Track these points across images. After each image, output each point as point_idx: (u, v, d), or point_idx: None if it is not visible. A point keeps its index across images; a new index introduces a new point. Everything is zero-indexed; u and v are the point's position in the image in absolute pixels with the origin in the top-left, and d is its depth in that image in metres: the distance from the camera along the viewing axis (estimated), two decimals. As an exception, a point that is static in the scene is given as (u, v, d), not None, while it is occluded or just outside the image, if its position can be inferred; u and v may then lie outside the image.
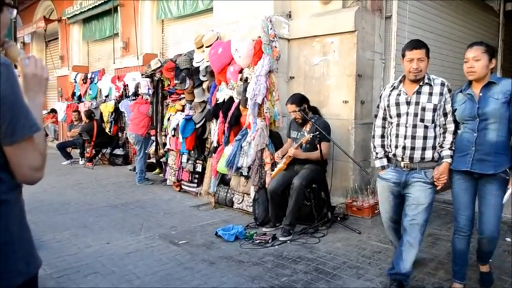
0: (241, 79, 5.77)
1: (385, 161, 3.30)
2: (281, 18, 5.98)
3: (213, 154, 6.16)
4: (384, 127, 3.35)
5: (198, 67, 6.66)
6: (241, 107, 5.73)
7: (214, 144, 6.23)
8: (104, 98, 10.86)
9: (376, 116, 3.42)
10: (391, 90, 3.26)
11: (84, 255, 4.21)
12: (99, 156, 10.29)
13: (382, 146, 3.33)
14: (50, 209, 5.98)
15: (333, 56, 5.75)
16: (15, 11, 1.47)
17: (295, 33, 6.07)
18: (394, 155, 3.21)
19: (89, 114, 10.27)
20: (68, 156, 10.45)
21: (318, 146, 4.75)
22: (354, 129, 5.63)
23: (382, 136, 3.34)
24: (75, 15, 12.63)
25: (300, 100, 5.00)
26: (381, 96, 3.38)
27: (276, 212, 4.98)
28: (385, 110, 3.30)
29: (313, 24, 5.89)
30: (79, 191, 7.33)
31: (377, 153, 3.34)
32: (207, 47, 6.42)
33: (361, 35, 5.63)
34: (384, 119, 3.35)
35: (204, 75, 6.62)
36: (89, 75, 11.81)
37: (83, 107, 11.38)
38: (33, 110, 1.38)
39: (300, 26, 6.04)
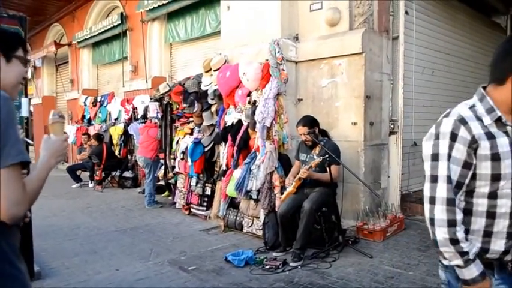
0: (249, 102, 5.78)
1: (481, 265, 1.59)
2: (288, 41, 6.01)
3: (222, 177, 6.14)
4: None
5: (207, 90, 6.70)
6: (249, 130, 5.73)
7: (223, 167, 6.21)
8: (113, 121, 10.95)
9: (438, 179, 1.60)
10: (489, 125, 1.59)
11: (94, 283, 4.18)
12: (109, 179, 10.31)
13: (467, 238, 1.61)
14: (60, 234, 5.97)
15: (341, 78, 5.75)
16: (30, 70, 1.57)
17: (303, 55, 6.10)
18: (506, 252, 1.61)
19: (98, 137, 10.33)
20: (77, 179, 10.49)
21: (328, 169, 4.71)
22: (363, 150, 5.59)
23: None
24: (85, 39, 12.84)
25: (311, 122, 4.98)
26: (455, 137, 1.57)
27: (286, 236, 4.92)
28: (469, 165, 1.57)
29: (321, 47, 5.91)
30: (88, 214, 7.32)
31: (465, 253, 1.58)
32: (215, 70, 6.46)
33: (369, 56, 5.64)
34: (461, 185, 1.60)
35: (212, 99, 6.65)
36: (99, 99, 11.93)
37: (92, 130, 11.45)
38: (42, 167, 1.51)
39: (307, 48, 6.06)
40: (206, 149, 6.72)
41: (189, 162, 6.80)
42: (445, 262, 1.64)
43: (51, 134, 1.69)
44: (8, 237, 1.41)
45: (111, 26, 11.44)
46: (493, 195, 1.58)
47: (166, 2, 9.21)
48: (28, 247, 4.10)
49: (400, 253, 4.79)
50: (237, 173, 5.73)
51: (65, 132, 1.77)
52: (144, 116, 9.39)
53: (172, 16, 9.87)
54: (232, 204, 6.06)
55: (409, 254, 4.73)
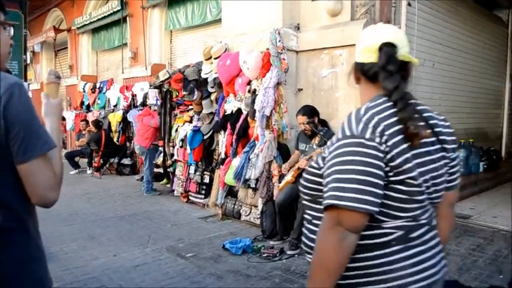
0: (249, 91, 5.78)
1: None
2: (289, 30, 5.98)
3: (221, 166, 6.15)
4: None
5: (206, 78, 6.68)
6: (249, 119, 5.73)
7: (222, 155, 6.22)
8: (112, 108, 10.93)
9: None
10: None
11: (91, 268, 4.20)
12: (107, 165, 10.31)
13: None
14: (58, 220, 5.98)
15: (342, 68, 5.73)
16: (12, 30, 1.47)
17: (304, 45, 6.07)
18: None
19: (97, 123, 10.31)
20: (75, 165, 10.49)
21: (327, 159, 4.71)
22: (362, 141, 5.59)
23: None
24: (85, 25, 12.76)
25: (311, 112, 4.97)
26: None
27: (283, 225, 4.95)
28: None
29: (322, 37, 5.88)
30: (86, 201, 7.34)
31: None
32: (215, 58, 6.43)
33: (370, 47, 5.61)
34: None
35: (212, 87, 6.64)
36: (98, 85, 11.88)
37: (91, 117, 11.42)
38: (55, 136, 1.49)
39: (308, 38, 6.03)
40: (205, 137, 6.72)
41: (188, 150, 6.81)
42: None
43: (46, 93, 1.65)
44: (35, 221, 1.44)
45: (111, 11, 11.36)
46: None
47: (167, -12, 9.17)
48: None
49: (396, 244, 4.81)
50: (236, 162, 5.74)
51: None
52: (143, 103, 9.37)
53: (173, 3, 9.81)
54: (231, 192, 6.08)
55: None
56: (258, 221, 5.48)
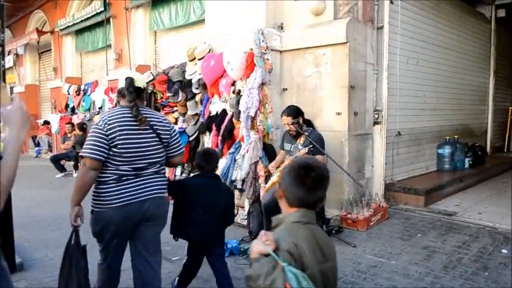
0: (233, 92, 5.75)
1: None
2: (273, 30, 5.97)
3: (207, 167, 6.13)
4: None
5: (191, 80, 6.65)
6: (234, 120, 5.70)
7: (208, 157, 6.20)
8: (98, 110, 10.81)
9: None
10: None
11: (76, 274, 4.14)
12: (93, 168, 10.18)
13: None
14: (43, 225, 5.90)
15: (326, 68, 5.74)
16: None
17: (287, 45, 6.06)
18: None
19: (81, 126, 10.20)
20: (61, 169, 10.35)
21: (312, 159, 4.71)
22: (347, 140, 5.61)
23: None
24: (68, 26, 12.64)
25: (295, 112, 4.95)
26: None
27: (270, 226, 4.91)
28: None
29: (305, 36, 5.88)
30: (72, 205, 7.23)
31: None
32: (199, 59, 6.40)
33: (353, 46, 5.63)
34: None
35: (196, 88, 6.60)
36: (82, 87, 11.76)
37: (76, 119, 11.30)
38: (14, 143, 1.37)
39: (292, 37, 6.03)
40: (191, 139, 6.69)
41: (174, 152, 6.76)
42: None
43: None
44: None
45: (94, 13, 11.26)
46: None
47: (151, -11, 9.10)
48: (8, 238, 4.05)
49: (382, 242, 4.84)
50: (222, 163, 5.71)
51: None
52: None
53: (156, 3, 9.75)
54: (217, 194, 6.05)
55: (392, 243, 4.78)
56: (245, 222, 5.46)
